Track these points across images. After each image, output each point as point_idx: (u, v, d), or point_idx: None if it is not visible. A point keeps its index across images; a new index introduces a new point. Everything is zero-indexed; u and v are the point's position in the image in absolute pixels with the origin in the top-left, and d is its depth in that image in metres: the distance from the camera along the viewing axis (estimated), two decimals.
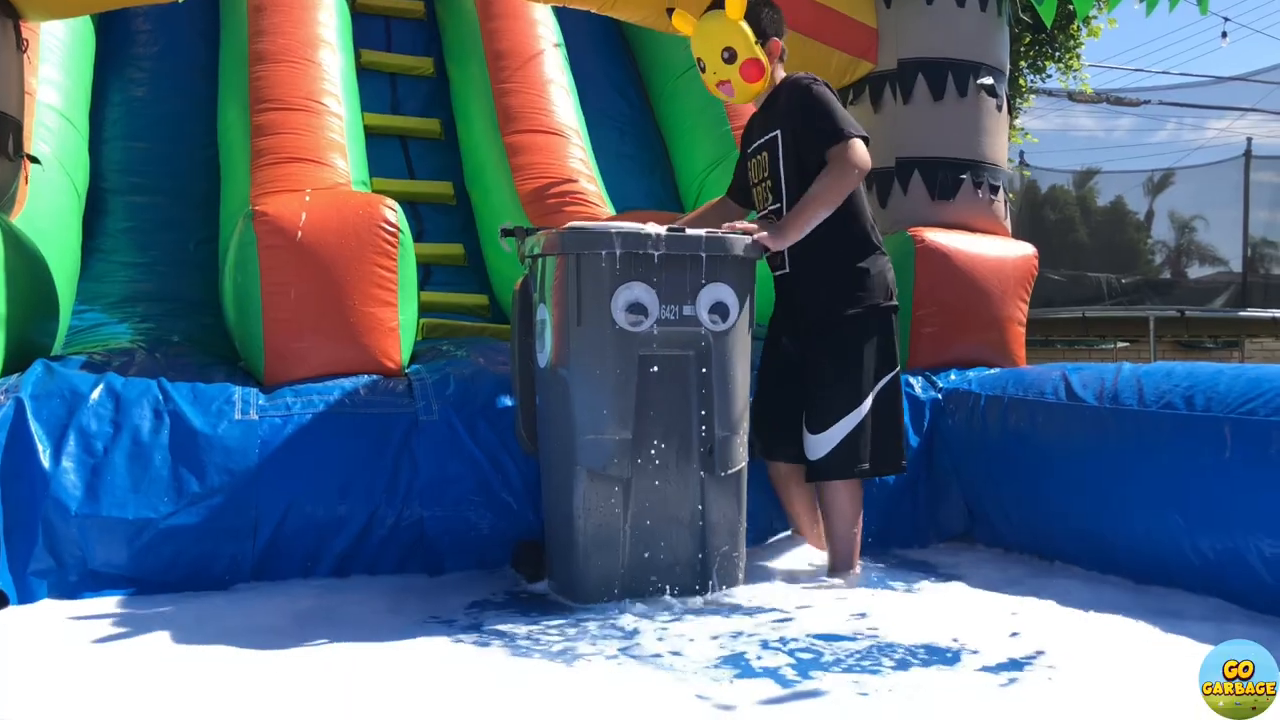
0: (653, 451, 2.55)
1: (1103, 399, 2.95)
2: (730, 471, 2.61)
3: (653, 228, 2.53)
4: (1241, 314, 11.41)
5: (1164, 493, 2.72)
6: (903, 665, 2.12)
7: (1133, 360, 3.17)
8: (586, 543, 2.52)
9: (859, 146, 2.75)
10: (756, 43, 2.87)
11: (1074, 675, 2.04)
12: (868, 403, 2.81)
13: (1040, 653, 2.18)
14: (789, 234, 2.71)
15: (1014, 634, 2.33)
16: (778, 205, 2.89)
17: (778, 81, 2.95)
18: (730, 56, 2.86)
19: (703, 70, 2.94)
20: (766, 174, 2.93)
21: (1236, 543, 2.54)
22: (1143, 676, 2.05)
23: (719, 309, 2.57)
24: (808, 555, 3.06)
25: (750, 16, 2.87)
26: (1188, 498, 2.66)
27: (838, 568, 2.85)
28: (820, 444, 2.81)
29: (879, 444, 2.84)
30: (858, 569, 2.88)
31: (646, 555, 2.56)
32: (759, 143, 2.96)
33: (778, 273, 2.93)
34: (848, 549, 2.86)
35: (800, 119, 2.82)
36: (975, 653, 2.18)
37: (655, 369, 2.55)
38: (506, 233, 2.92)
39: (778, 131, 2.88)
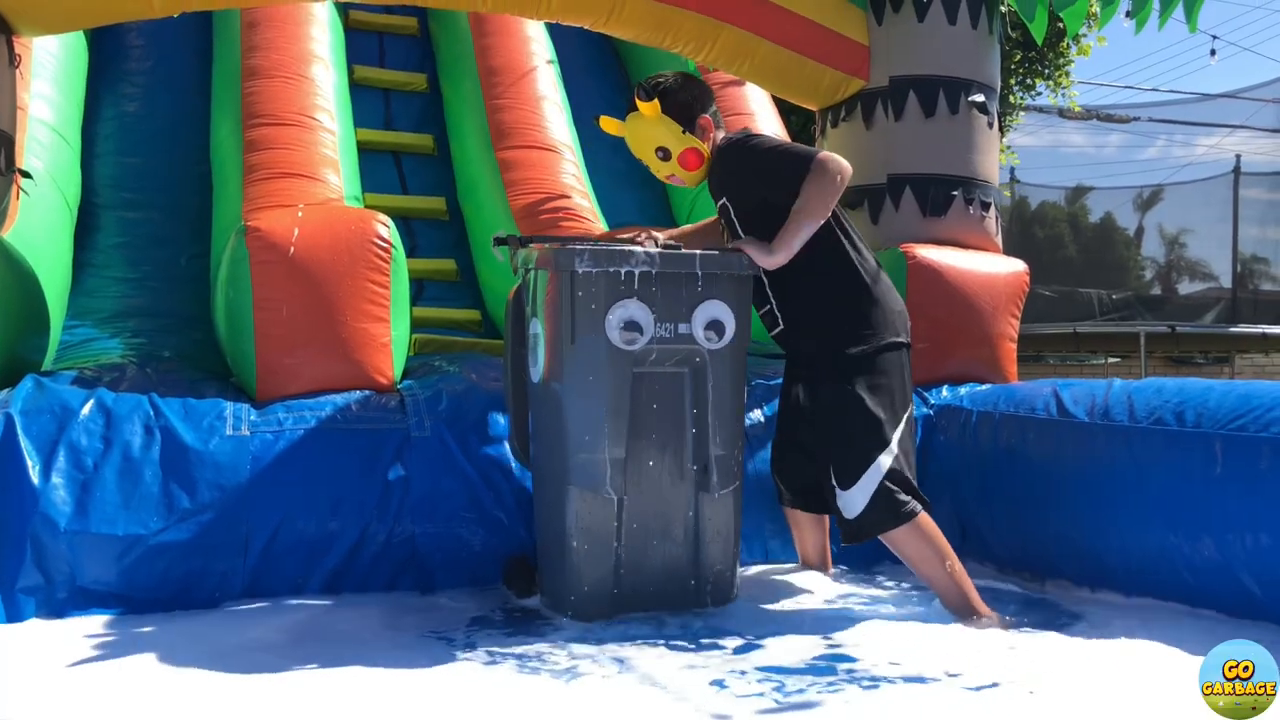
0: (647, 469, 2.54)
1: (1094, 415, 2.96)
2: (725, 490, 2.60)
3: (648, 245, 2.53)
4: (1232, 330, 11.47)
5: (1155, 508, 2.72)
6: (884, 682, 2.11)
7: (1124, 376, 3.17)
8: (579, 560, 2.51)
9: (832, 156, 2.63)
10: (684, 132, 2.80)
11: (1063, 690, 2.04)
12: (894, 443, 2.64)
13: (1033, 668, 2.18)
14: (778, 252, 2.59)
15: (1011, 648, 2.33)
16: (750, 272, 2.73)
17: (716, 148, 2.85)
18: (664, 154, 2.82)
19: (646, 164, 2.91)
20: (728, 241, 2.84)
21: (1228, 557, 2.54)
22: (1132, 689, 2.05)
23: (714, 326, 2.56)
24: (805, 575, 3.03)
25: (667, 109, 2.79)
26: (1179, 513, 2.66)
27: (956, 612, 2.60)
28: (854, 500, 2.61)
29: (909, 481, 2.66)
30: (985, 613, 2.60)
31: (640, 573, 2.55)
32: (719, 205, 2.89)
33: (773, 332, 2.82)
34: (955, 595, 2.61)
35: (750, 178, 2.72)
36: (956, 675, 2.17)
37: (650, 387, 2.54)
38: (499, 241, 2.91)
39: (725, 200, 2.83)
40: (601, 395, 2.49)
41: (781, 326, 2.80)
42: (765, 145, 2.76)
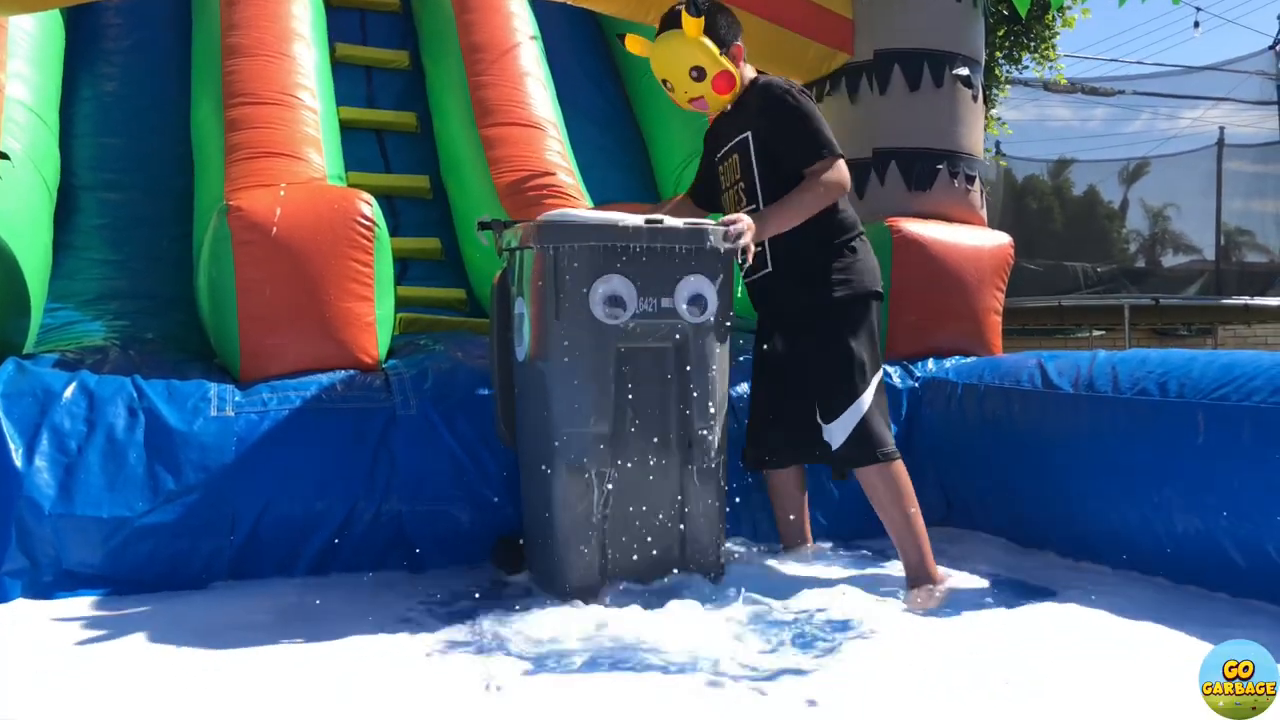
0: (632, 444, 2.54)
1: (1078, 386, 2.97)
2: (710, 463, 2.61)
3: (631, 219, 2.52)
4: (1215, 302, 11.52)
5: (1139, 478, 2.74)
6: (866, 648, 2.13)
7: (1108, 348, 3.18)
8: (565, 536, 2.52)
9: (842, 167, 2.73)
10: (721, 54, 2.80)
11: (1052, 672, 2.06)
12: (872, 386, 2.75)
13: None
14: (763, 229, 2.66)
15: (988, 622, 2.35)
16: (753, 207, 2.81)
17: (745, 83, 2.88)
18: (699, 74, 2.79)
19: (670, 90, 2.87)
20: (739, 177, 2.86)
21: (1211, 526, 2.56)
22: (1118, 665, 2.07)
23: (697, 301, 2.56)
24: (790, 550, 3.03)
25: (709, 29, 2.79)
26: (1162, 482, 2.68)
27: (917, 580, 2.66)
28: (838, 431, 2.71)
29: (885, 428, 2.76)
30: (942, 579, 2.69)
31: (626, 548, 2.55)
32: (729, 145, 2.89)
33: (759, 274, 2.84)
34: (913, 548, 2.68)
35: (779, 125, 2.76)
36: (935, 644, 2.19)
37: (634, 362, 2.54)
38: (484, 226, 2.90)
39: (748, 134, 2.82)
40: (586, 371, 2.49)
41: (769, 269, 2.82)
42: (807, 109, 2.76)
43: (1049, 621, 2.36)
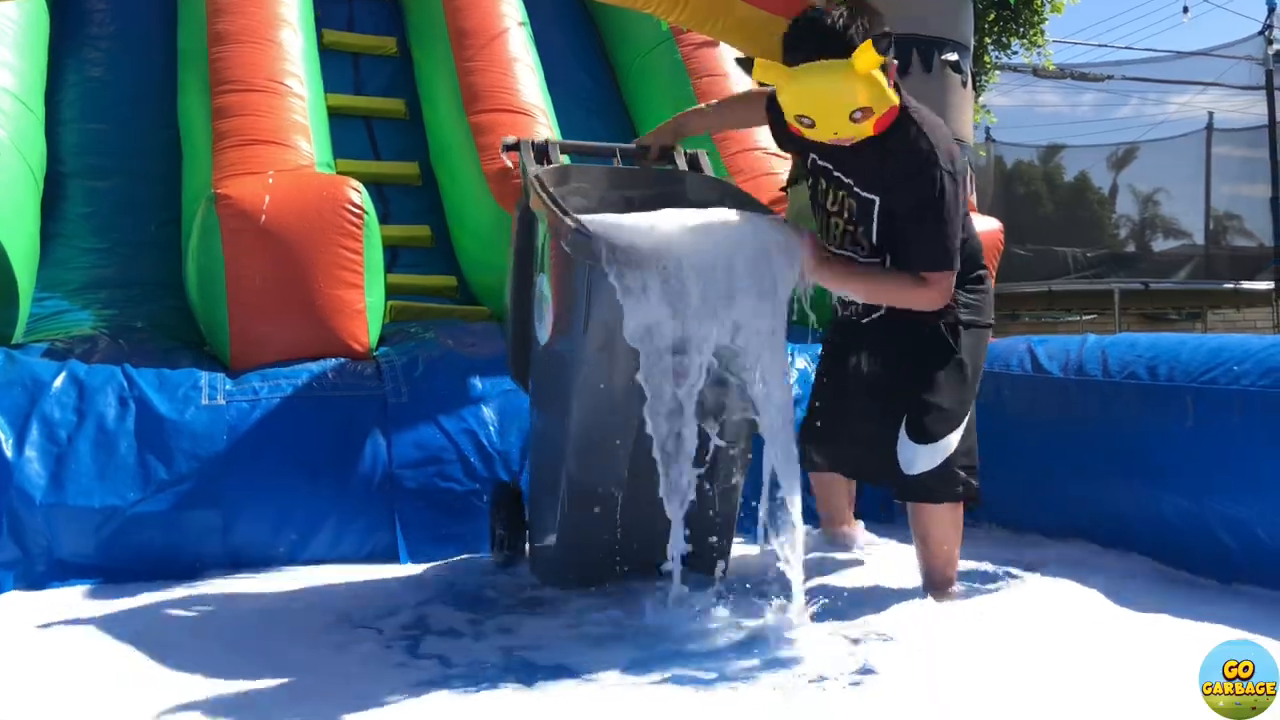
0: (648, 445, 2.28)
1: (1068, 370, 2.99)
2: (727, 466, 2.42)
3: (674, 238, 2.12)
4: (1204, 286, 11.58)
5: (1128, 461, 2.75)
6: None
7: (1098, 333, 3.19)
8: (574, 531, 2.40)
9: (950, 282, 2.34)
10: (890, 85, 2.22)
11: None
12: (966, 420, 2.45)
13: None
14: (833, 282, 2.30)
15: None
16: (872, 259, 2.42)
17: None
18: (863, 116, 2.20)
19: (805, 125, 2.26)
20: (850, 221, 2.43)
21: (1201, 508, 2.58)
22: (1108, 639, 2.09)
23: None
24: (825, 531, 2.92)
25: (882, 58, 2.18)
26: (1151, 465, 2.70)
27: (938, 587, 2.48)
28: (922, 457, 2.38)
29: (972, 465, 2.47)
30: (957, 588, 2.51)
31: (636, 546, 2.42)
32: (845, 182, 2.41)
33: (864, 319, 2.50)
34: (949, 574, 2.49)
35: (916, 210, 2.30)
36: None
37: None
38: (509, 147, 2.72)
39: (876, 199, 2.36)
40: (610, 388, 2.23)
41: (876, 317, 2.49)
42: (949, 208, 2.30)
43: (1039, 604, 2.37)
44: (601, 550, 2.42)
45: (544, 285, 2.44)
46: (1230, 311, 12.81)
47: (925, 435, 2.39)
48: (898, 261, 2.36)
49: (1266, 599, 2.39)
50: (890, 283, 2.36)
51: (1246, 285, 11.56)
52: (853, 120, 2.21)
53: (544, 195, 2.28)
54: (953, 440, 2.40)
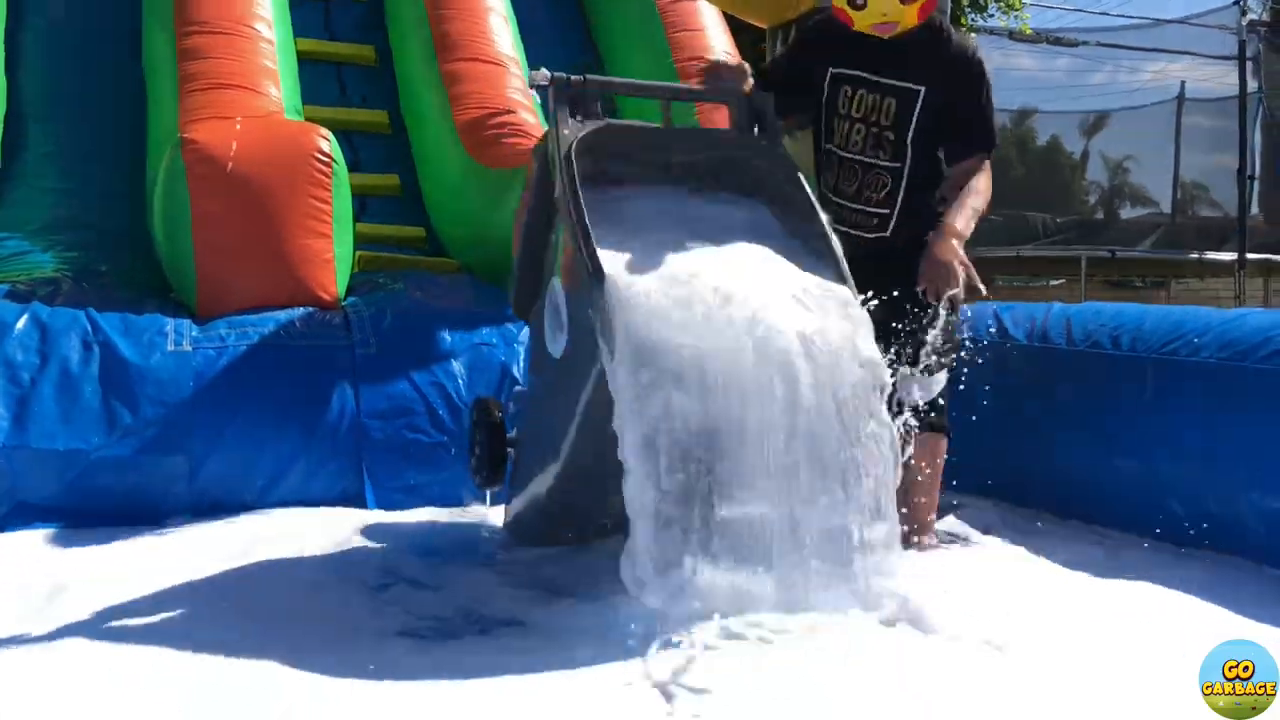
0: None
1: (1032, 337, 3.02)
2: None
3: (704, 277, 1.94)
4: (1169, 255, 11.69)
5: (1090, 429, 2.80)
6: None
7: (1066, 299, 3.23)
8: (561, 506, 2.33)
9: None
10: None
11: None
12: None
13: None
14: (960, 250, 2.38)
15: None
16: (894, 164, 2.50)
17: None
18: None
19: (859, 8, 2.43)
20: (886, 122, 2.51)
21: (1160, 477, 2.63)
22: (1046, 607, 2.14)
23: None
24: None
25: None
26: (1112, 434, 2.74)
27: (923, 530, 2.49)
28: (933, 386, 2.45)
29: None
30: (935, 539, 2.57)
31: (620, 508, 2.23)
32: (879, 81, 2.51)
33: (871, 235, 2.53)
34: (932, 515, 2.56)
35: (967, 96, 2.51)
36: None
37: None
38: (538, 86, 2.22)
39: (922, 89, 2.48)
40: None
41: (886, 234, 2.54)
42: (990, 88, 2.56)
43: (996, 572, 2.41)
44: (587, 518, 2.33)
45: (558, 290, 2.18)
46: (1194, 281, 12.95)
47: (931, 367, 2.43)
48: (956, 147, 2.51)
49: (1221, 563, 2.44)
50: (972, 197, 2.46)
51: (1211, 255, 11.67)
52: (903, 1, 2.41)
53: (570, 200, 1.96)
54: (942, 378, 2.49)
